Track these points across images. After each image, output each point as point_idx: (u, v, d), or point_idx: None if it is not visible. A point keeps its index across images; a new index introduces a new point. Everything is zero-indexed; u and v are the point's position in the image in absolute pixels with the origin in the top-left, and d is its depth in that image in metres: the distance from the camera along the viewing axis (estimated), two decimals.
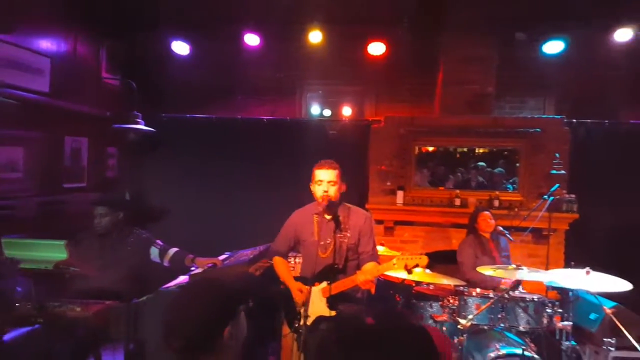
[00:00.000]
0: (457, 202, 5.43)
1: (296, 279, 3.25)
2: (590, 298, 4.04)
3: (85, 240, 3.71)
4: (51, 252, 3.58)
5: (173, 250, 3.80)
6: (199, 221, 5.60)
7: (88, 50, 5.43)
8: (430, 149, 5.74)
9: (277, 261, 3.38)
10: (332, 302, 3.04)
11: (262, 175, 5.60)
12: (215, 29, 5.60)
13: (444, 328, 3.85)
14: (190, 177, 5.78)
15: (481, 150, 5.68)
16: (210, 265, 3.62)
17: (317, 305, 3.06)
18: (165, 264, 3.78)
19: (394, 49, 5.71)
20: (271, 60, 5.93)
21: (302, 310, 3.04)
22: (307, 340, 2.92)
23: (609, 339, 3.50)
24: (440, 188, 5.65)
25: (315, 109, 6.49)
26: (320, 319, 3.06)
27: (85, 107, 5.27)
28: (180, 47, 5.76)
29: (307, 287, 3.07)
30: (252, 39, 5.64)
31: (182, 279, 3.62)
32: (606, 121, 5.35)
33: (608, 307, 3.61)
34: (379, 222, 5.61)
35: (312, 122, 6.02)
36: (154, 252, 3.81)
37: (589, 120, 5.36)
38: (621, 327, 3.25)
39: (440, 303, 4.00)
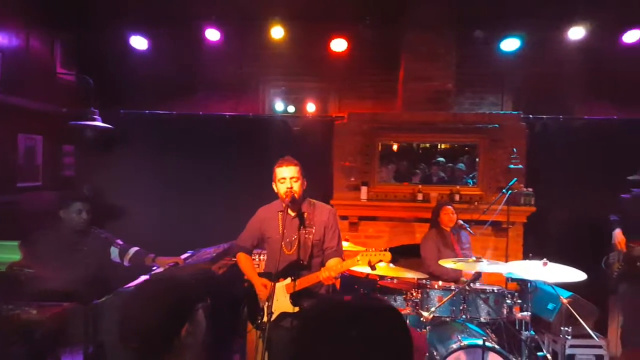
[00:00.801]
0: (420, 197, 5.51)
1: (260, 275, 3.24)
2: (547, 289, 4.18)
3: (41, 240, 3.58)
4: (4, 253, 3.47)
5: (133, 249, 3.73)
6: (160, 220, 5.49)
7: (42, 44, 5.23)
8: (395, 145, 5.80)
9: (241, 257, 3.36)
10: (295, 298, 3.06)
11: (225, 172, 5.52)
12: (174, 24, 5.49)
13: (407, 321, 3.91)
14: (151, 175, 5.63)
15: (444, 146, 5.78)
16: (171, 264, 3.56)
17: (281, 301, 3.06)
18: (126, 263, 3.70)
19: (356, 46, 5.75)
20: (233, 55, 5.86)
21: (265, 307, 3.02)
22: (270, 336, 2.91)
23: (566, 328, 3.64)
24: (405, 183, 5.73)
25: (279, 105, 6.46)
26: (283, 315, 3.07)
27: (40, 103, 5.07)
28: (139, 42, 5.61)
29: (271, 283, 3.05)
30: (212, 34, 5.55)
31: (143, 278, 3.54)
32: (561, 117, 5.55)
33: (564, 297, 3.74)
34: (344, 217, 5.64)
35: (275, 119, 5.98)
36: (114, 252, 3.72)
37: (544, 116, 5.54)
38: (577, 316, 3.38)
39: (403, 296, 4.05)
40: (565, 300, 3.61)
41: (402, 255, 5.37)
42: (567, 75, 5.78)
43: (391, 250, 5.56)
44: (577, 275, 3.35)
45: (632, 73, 5.39)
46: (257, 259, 4.15)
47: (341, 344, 1.04)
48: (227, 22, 5.58)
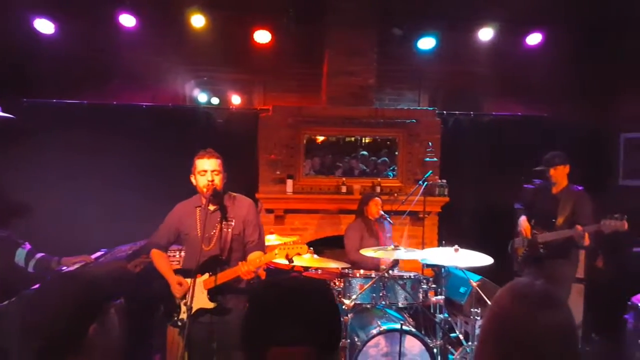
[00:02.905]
0: (344, 189, 5.65)
1: (178, 271, 3.15)
2: (459, 273, 4.45)
3: None
4: None
5: (39, 255, 3.45)
6: (71, 218, 5.08)
7: None
8: (320, 138, 5.88)
9: (156, 254, 3.23)
10: (213, 293, 3.01)
11: (143, 165, 5.24)
12: (84, 7, 5.14)
13: None
14: (59, 169, 5.20)
15: (367, 140, 5.95)
16: (81, 262, 3.35)
17: (199, 297, 2.98)
18: (30, 269, 3.41)
19: (280, 38, 5.73)
20: (150, 43, 5.59)
21: (182, 304, 2.97)
22: (190, 333, 2.85)
23: (476, 310, 3.90)
24: (331, 176, 5.82)
25: (202, 97, 6.27)
26: (201, 311, 3.00)
27: None
28: (44, 26, 5.19)
29: (186, 280, 2.98)
30: (127, 20, 5.28)
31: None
32: (472, 113, 5.93)
33: (474, 280, 4.01)
34: (269, 211, 5.64)
35: (198, 110, 5.82)
36: (20, 255, 3.41)
37: (457, 112, 5.89)
38: (486, 298, 3.63)
39: None
40: (475, 284, 3.87)
41: (328, 246, 5.49)
42: (477, 73, 6.17)
43: (317, 241, 5.67)
44: (485, 260, 3.60)
45: (534, 72, 5.86)
46: (177, 256, 4.03)
47: (282, 315, 1.13)
48: (142, 8, 5.33)
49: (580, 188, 4.19)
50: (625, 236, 4.81)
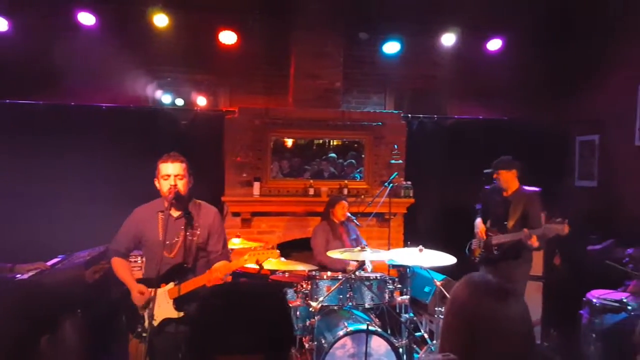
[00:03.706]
0: (311, 191, 5.66)
1: (140, 280, 3.04)
2: (424, 273, 4.55)
3: None
4: None
5: None
6: (26, 222, 4.83)
7: None
8: (288, 140, 5.87)
9: (116, 262, 3.11)
10: (179, 303, 2.93)
11: (103, 168, 5.08)
12: (40, 4, 4.96)
13: (298, 312, 3.99)
14: (13, 172, 4.96)
15: (335, 143, 5.99)
16: (36, 270, 3.22)
17: (164, 307, 2.92)
18: None
19: (246, 40, 5.69)
20: (111, 42, 5.43)
21: (145, 314, 2.88)
22: (154, 344, 2.78)
23: (440, 308, 3.99)
24: (299, 179, 5.82)
25: (166, 98, 6.14)
26: (167, 321, 2.93)
27: None
28: None
29: (148, 289, 2.89)
30: (86, 18, 5.14)
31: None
32: (435, 116, 6.06)
33: (438, 280, 4.10)
34: (236, 214, 5.59)
35: (161, 111, 5.69)
36: None
37: (421, 115, 6.01)
38: (449, 297, 3.71)
39: (294, 289, 4.14)
40: (439, 283, 3.96)
41: (295, 248, 5.49)
42: (441, 77, 6.32)
43: (284, 244, 5.65)
44: (448, 259, 3.69)
45: (494, 77, 6.04)
46: (138, 261, 3.94)
47: (228, 323, 1.13)
48: (102, 6, 5.19)
49: (531, 190, 4.32)
50: (581, 235, 5.06)
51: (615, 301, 3.84)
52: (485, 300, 1.28)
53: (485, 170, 4.47)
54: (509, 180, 4.30)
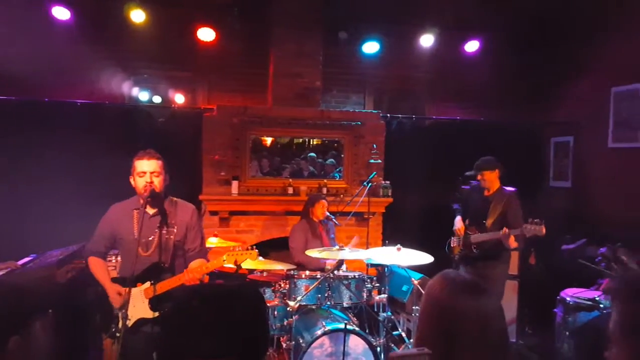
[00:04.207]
0: (290, 190, 5.63)
1: (115, 280, 2.99)
2: (401, 272, 4.57)
3: None
4: None
5: None
6: None
7: None
8: (268, 139, 5.83)
9: (92, 261, 3.05)
10: (155, 303, 2.89)
11: (77, 166, 4.95)
12: None
13: (276, 312, 3.97)
14: None
15: (315, 142, 5.98)
16: (6, 269, 3.12)
17: (139, 307, 2.87)
18: None
19: (225, 37, 5.64)
20: (87, 37, 5.31)
21: (120, 313, 2.83)
22: (127, 344, 2.72)
23: (417, 307, 4.00)
24: (278, 178, 5.78)
25: (143, 95, 6.03)
26: (142, 321, 2.88)
27: None
28: None
29: (125, 288, 2.83)
30: (61, 12, 5.01)
31: None
32: (414, 116, 6.10)
33: (416, 279, 4.12)
34: (214, 213, 5.52)
35: (137, 108, 5.59)
36: None
37: (400, 115, 6.04)
38: (424, 294, 3.73)
39: (272, 288, 4.11)
40: (416, 282, 3.98)
41: (274, 248, 5.45)
42: (419, 78, 6.37)
43: (263, 243, 5.60)
44: (426, 258, 3.71)
45: (471, 78, 6.12)
46: (113, 260, 3.86)
47: (201, 326, 1.10)
48: (77, 0, 5.07)
49: (511, 190, 4.39)
50: (556, 234, 5.15)
51: (588, 299, 3.92)
52: (461, 296, 1.29)
53: (467, 173, 4.51)
54: (492, 180, 4.35)
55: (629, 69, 5.30)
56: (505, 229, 4.04)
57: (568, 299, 4.00)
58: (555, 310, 4.16)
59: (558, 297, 4.14)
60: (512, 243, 4.09)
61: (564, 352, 4.05)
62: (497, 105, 6.31)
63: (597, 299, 3.87)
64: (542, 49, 6.16)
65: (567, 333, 4.00)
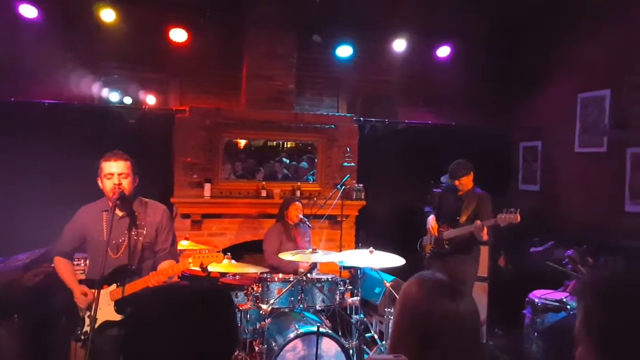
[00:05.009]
0: (264, 193, 5.60)
1: (82, 282, 2.93)
2: (374, 274, 4.59)
3: None
4: None
5: None
6: None
7: None
8: (242, 142, 5.78)
9: (59, 262, 3.00)
10: (121, 305, 2.84)
11: (45, 168, 4.81)
12: None
13: (248, 316, 3.93)
14: None
15: (289, 145, 5.96)
16: None
17: (105, 309, 2.82)
18: None
19: (197, 38, 5.57)
20: (55, 36, 5.17)
21: (86, 316, 2.78)
22: (94, 347, 2.65)
23: (390, 309, 4.02)
24: (252, 180, 5.74)
25: (114, 96, 5.89)
26: (107, 324, 2.83)
27: None
28: None
29: (92, 290, 2.78)
30: (28, 10, 4.88)
31: None
32: (386, 120, 6.16)
33: (388, 281, 4.14)
34: (186, 216, 5.45)
35: (107, 109, 5.47)
36: None
37: (373, 119, 6.09)
38: (400, 297, 3.75)
39: (244, 292, 4.07)
40: (388, 284, 4.00)
41: (248, 250, 5.41)
42: (392, 82, 6.42)
43: (237, 246, 5.55)
44: (398, 260, 3.74)
45: (443, 83, 6.21)
46: (82, 264, 3.76)
47: (164, 330, 1.07)
48: None
49: (482, 191, 4.49)
50: (524, 237, 5.26)
51: (556, 301, 4.01)
52: (439, 299, 1.30)
53: (443, 179, 4.58)
54: (469, 183, 4.44)
55: (595, 76, 5.46)
56: (479, 222, 4.11)
57: (536, 300, 4.09)
58: (524, 311, 4.24)
59: (527, 299, 4.22)
60: (485, 235, 4.16)
61: (532, 352, 4.13)
62: (468, 110, 6.43)
63: (565, 300, 3.97)
64: (510, 55, 6.31)
65: (536, 334, 4.09)
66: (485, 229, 4.12)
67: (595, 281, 1.14)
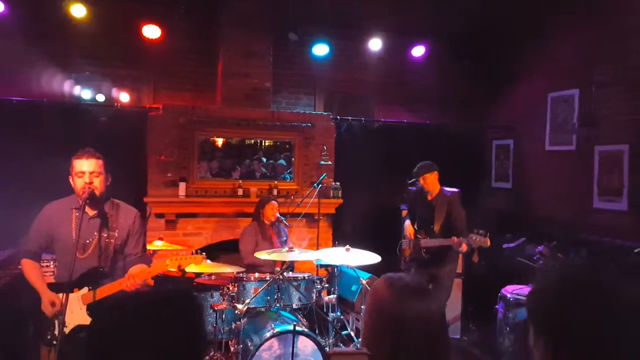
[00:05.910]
0: (240, 192, 5.56)
1: (52, 285, 2.84)
2: (350, 272, 4.61)
3: None
4: None
5: None
6: None
7: None
8: (220, 141, 5.72)
9: (26, 264, 2.89)
10: (93, 309, 2.76)
11: (11, 167, 4.68)
12: None
13: (224, 316, 3.90)
14: None
15: (267, 143, 5.92)
16: None
17: (76, 313, 2.74)
18: None
19: (172, 35, 5.49)
20: (23, 31, 5.02)
21: (56, 320, 2.70)
22: (65, 351, 2.59)
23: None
24: (228, 179, 5.68)
25: (85, 93, 5.75)
26: (79, 329, 2.76)
27: None
28: None
29: (60, 298, 2.69)
30: None
31: None
32: (363, 119, 6.19)
33: (364, 278, 4.17)
34: (160, 215, 5.36)
35: (78, 106, 5.32)
36: None
37: (349, 118, 6.11)
38: (369, 299, 3.78)
39: (220, 292, 4.03)
40: (364, 282, 4.03)
41: (224, 250, 5.36)
42: (369, 81, 6.46)
43: (212, 246, 5.49)
44: (374, 258, 3.76)
45: (418, 83, 6.27)
46: (50, 266, 3.67)
47: (127, 338, 1.05)
48: None
49: (453, 191, 4.53)
50: (497, 233, 5.36)
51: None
52: (409, 300, 1.33)
53: (410, 181, 4.63)
54: (433, 182, 4.47)
55: (565, 75, 5.60)
56: (455, 238, 4.18)
57: (508, 295, 4.17)
58: (496, 306, 4.33)
59: (499, 294, 4.31)
60: (464, 249, 4.24)
61: (504, 347, 4.22)
62: (442, 109, 6.51)
63: None
64: (482, 54, 6.41)
65: (508, 328, 4.17)
66: (464, 244, 4.17)
67: (542, 277, 1.17)
